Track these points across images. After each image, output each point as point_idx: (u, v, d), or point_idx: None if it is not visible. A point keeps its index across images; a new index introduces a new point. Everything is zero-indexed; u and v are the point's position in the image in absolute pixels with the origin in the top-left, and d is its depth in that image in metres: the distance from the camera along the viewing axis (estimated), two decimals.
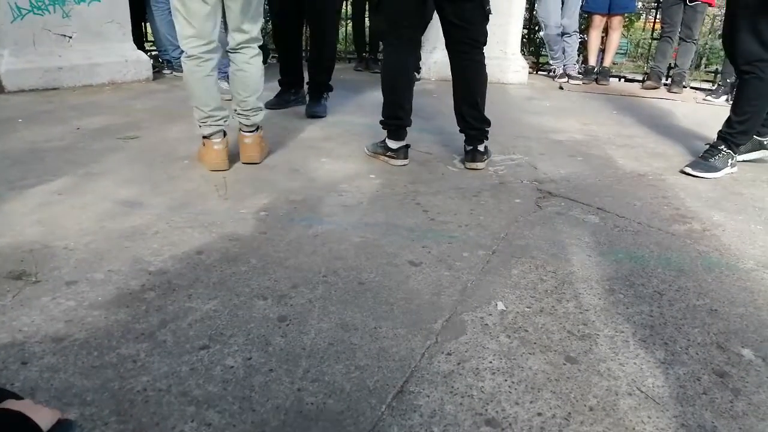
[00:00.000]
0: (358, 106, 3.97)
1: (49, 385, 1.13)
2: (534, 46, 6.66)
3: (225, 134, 2.45)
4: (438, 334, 1.36)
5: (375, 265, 1.68)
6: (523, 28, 5.89)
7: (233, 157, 2.53)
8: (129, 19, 4.43)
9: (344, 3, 6.78)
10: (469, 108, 2.59)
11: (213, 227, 1.88)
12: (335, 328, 1.36)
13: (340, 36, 7.08)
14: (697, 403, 1.17)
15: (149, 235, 1.80)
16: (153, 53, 5.31)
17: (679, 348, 1.36)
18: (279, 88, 3.81)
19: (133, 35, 4.54)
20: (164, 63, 4.93)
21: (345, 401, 1.12)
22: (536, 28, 6.28)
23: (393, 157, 2.66)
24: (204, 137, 2.42)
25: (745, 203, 2.37)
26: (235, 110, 2.47)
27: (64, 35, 4.06)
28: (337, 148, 2.90)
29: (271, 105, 3.63)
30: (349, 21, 6.16)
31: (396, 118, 2.61)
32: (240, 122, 2.50)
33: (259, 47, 2.46)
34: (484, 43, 2.51)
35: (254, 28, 2.37)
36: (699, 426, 1.11)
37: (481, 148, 2.64)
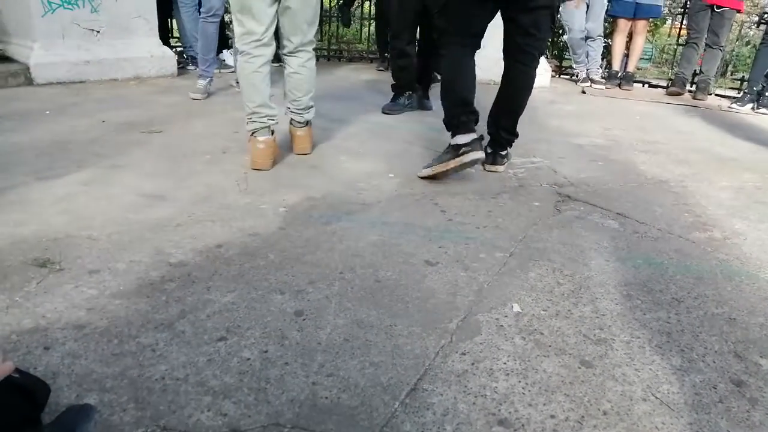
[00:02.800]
0: (377, 106, 3.98)
1: (70, 371, 1.15)
2: (557, 49, 6.62)
3: (272, 133, 2.47)
4: (453, 333, 1.37)
5: (392, 263, 1.69)
6: None
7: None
8: (156, 15, 4.49)
9: (368, 3, 6.82)
10: (507, 116, 2.60)
11: (233, 221, 1.91)
12: (351, 324, 1.37)
13: (363, 36, 7.12)
14: (712, 412, 1.16)
15: (171, 228, 1.83)
16: (178, 49, 5.37)
17: (695, 355, 1.34)
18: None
19: (159, 31, 4.60)
20: (189, 59, 4.98)
21: (359, 396, 1.14)
22: (560, 31, 6.24)
23: (469, 151, 2.39)
24: (250, 133, 2.45)
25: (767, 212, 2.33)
26: (289, 108, 2.61)
27: (92, 30, 4.13)
28: (357, 146, 2.92)
29: (387, 109, 3.82)
30: (372, 21, 6.18)
31: (456, 106, 2.47)
32: (293, 118, 2.65)
33: (280, 46, 2.50)
34: (541, 55, 2.56)
35: (310, 33, 2.47)
36: None
37: (502, 152, 2.65)
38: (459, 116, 2.43)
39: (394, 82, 3.92)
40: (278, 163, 2.55)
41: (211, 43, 3.84)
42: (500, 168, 2.64)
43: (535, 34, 2.41)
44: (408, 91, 3.88)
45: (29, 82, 3.84)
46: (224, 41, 5.12)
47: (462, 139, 2.40)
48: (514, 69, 2.50)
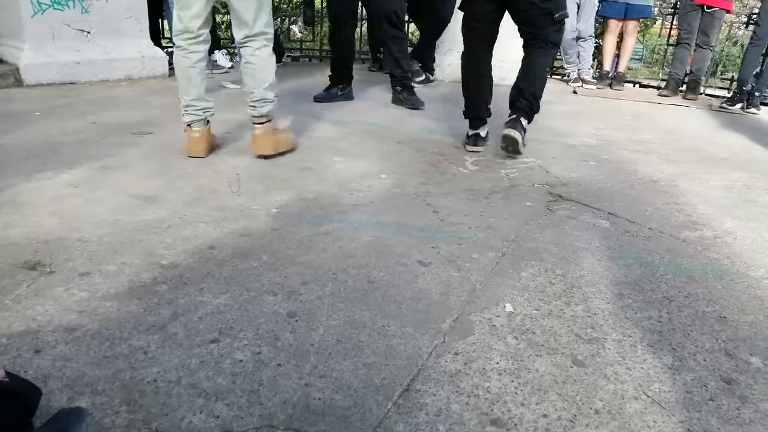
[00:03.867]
0: (371, 107, 3.98)
1: (61, 374, 1.15)
2: None
3: (207, 124, 2.57)
4: (446, 333, 1.37)
5: (384, 264, 1.69)
6: None
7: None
8: (146, 15, 4.47)
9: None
10: (527, 82, 2.76)
11: (225, 223, 1.90)
12: (344, 325, 1.37)
13: (355, 36, 7.10)
14: (703, 409, 1.17)
15: (162, 229, 1.83)
16: (169, 50, 5.34)
17: (686, 354, 1.35)
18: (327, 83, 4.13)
19: (150, 32, 4.58)
20: None
21: (352, 397, 1.14)
22: None
23: (466, 143, 2.97)
24: (186, 124, 2.53)
25: (757, 211, 2.35)
26: (247, 102, 2.54)
27: (83, 30, 4.10)
28: (350, 147, 2.92)
29: (319, 98, 3.96)
30: (364, 21, 6.17)
31: (469, 104, 2.94)
32: (249, 113, 2.55)
33: (273, 48, 2.49)
34: (553, 41, 2.78)
35: (256, 25, 2.41)
36: None
37: (523, 121, 2.77)
38: (468, 111, 2.93)
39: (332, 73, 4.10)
40: (270, 164, 2.54)
41: None
42: (515, 134, 2.73)
43: (531, 31, 2.69)
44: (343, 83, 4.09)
45: (19, 83, 3.82)
46: (215, 42, 5.10)
47: (469, 131, 2.93)
48: (530, 48, 2.78)
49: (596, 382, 1.23)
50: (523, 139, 2.78)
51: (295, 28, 8.02)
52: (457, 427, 1.08)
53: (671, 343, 1.39)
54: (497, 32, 2.80)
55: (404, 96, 4.08)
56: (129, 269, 1.57)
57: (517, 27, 2.74)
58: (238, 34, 2.44)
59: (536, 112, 2.84)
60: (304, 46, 6.51)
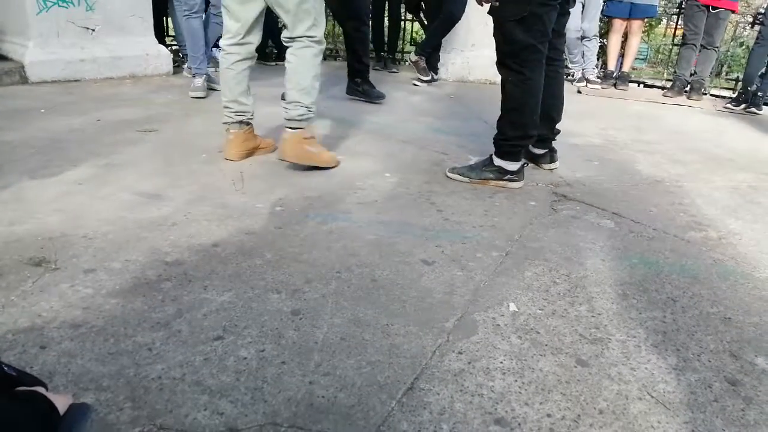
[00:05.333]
0: (376, 106, 3.98)
1: (66, 370, 1.15)
2: None
3: (245, 126, 2.54)
4: (449, 332, 1.37)
5: (388, 262, 1.69)
6: None
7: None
8: (151, 13, 4.48)
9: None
10: (558, 113, 2.67)
11: (229, 221, 1.91)
12: (348, 323, 1.38)
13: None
14: (707, 410, 1.17)
15: (167, 227, 1.83)
16: (174, 47, 5.35)
17: (691, 355, 1.35)
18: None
19: (154, 29, 4.58)
20: (184, 57, 4.97)
21: (356, 396, 1.14)
22: None
23: (515, 180, 2.44)
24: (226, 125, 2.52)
25: (763, 212, 2.34)
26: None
27: (87, 28, 4.11)
28: (354, 146, 2.92)
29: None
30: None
31: (531, 137, 2.45)
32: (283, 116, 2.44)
33: (278, 45, 2.50)
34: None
35: (299, 27, 2.31)
36: None
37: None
38: (523, 141, 2.41)
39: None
40: (274, 163, 2.54)
41: (198, 39, 3.79)
42: (558, 165, 2.73)
43: (558, 46, 2.53)
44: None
45: (24, 80, 3.83)
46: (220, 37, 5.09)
47: (511, 165, 2.42)
48: (553, 69, 2.49)
49: (600, 382, 1.23)
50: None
51: None
52: (460, 426, 1.08)
53: (675, 343, 1.39)
54: None
55: (364, 89, 4.09)
56: (133, 266, 1.57)
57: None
58: (284, 32, 2.38)
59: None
60: None
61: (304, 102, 2.37)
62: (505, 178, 2.42)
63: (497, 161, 2.43)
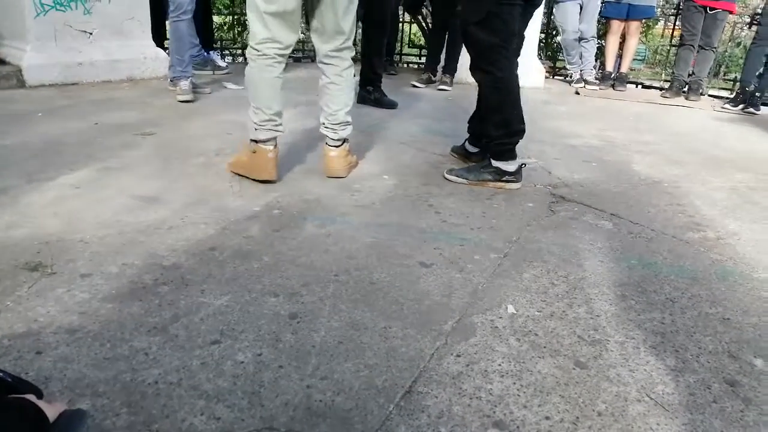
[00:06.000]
0: (373, 107, 3.97)
1: (62, 375, 1.14)
2: (551, 50, 6.64)
3: (276, 143, 2.30)
4: (448, 335, 1.36)
5: (386, 265, 1.69)
6: (541, 32, 5.87)
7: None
8: (149, 17, 4.47)
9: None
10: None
11: (226, 224, 1.90)
12: (345, 326, 1.37)
13: (357, 36, 7.11)
14: (707, 412, 1.16)
15: (164, 231, 1.82)
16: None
17: (690, 356, 1.35)
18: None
19: (155, 32, 4.57)
20: None
21: (353, 399, 1.13)
22: (554, 32, 6.26)
23: (513, 181, 2.44)
24: (256, 142, 2.25)
25: (761, 213, 2.34)
26: (323, 123, 2.39)
27: (85, 31, 4.11)
28: (352, 147, 2.91)
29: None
30: None
31: (517, 132, 2.43)
32: (327, 135, 2.40)
33: None
34: None
35: (348, 40, 2.27)
36: None
37: None
38: (514, 139, 2.43)
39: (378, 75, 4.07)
40: None
41: (185, 42, 3.70)
42: None
43: (522, 36, 2.50)
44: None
45: (21, 84, 3.82)
46: (211, 42, 5.04)
47: (509, 166, 2.43)
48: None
49: (599, 384, 1.22)
50: None
51: None
52: (459, 429, 1.07)
53: (674, 345, 1.39)
54: None
55: (376, 97, 4.06)
56: (130, 270, 1.57)
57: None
58: (323, 47, 2.26)
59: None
60: (306, 47, 6.53)
61: (350, 120, 2.41)
62: (503, 179, 2.43)
63: (495, 163, 2.43)
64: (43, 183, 2.15)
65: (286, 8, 2.07)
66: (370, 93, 4.06)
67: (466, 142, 2.80)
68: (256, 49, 2.14)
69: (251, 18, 2.13)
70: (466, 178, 2.46)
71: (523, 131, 2.44)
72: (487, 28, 2.25)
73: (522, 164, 2.47)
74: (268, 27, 2.10)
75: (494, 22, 2.24)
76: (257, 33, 2.12)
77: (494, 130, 2.41)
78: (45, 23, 3.89)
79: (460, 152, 2.82)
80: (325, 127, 2.39)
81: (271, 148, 2.26)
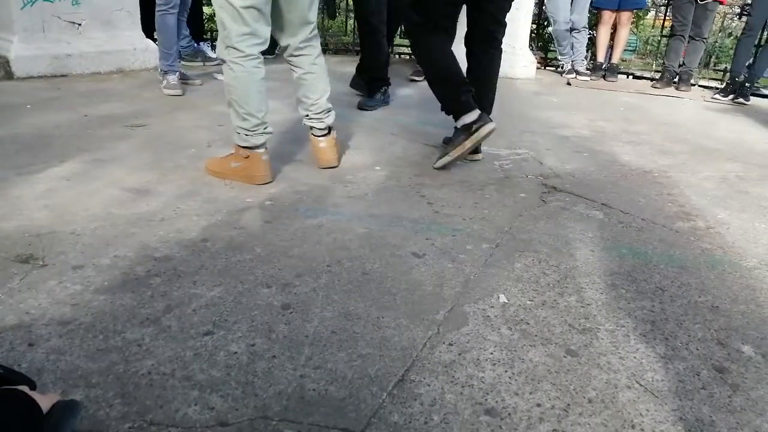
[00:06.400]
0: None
1: (55, 367, 1.14)
2: (542, 41, 6.63)
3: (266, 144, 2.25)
4: (440, 324, 1.37)
5: (379, 256, 1.69)
6: (532, 23, 5.86)
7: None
8: (138, 8, 4.43)
9: None
10: (491, 92, 2.66)
11: (219, 215, 1.90)
12: (338, 316, 1.38)
13: (349, 27, 7.09)
14: (695, 398, 1.18)
15: (155, 222, 1.82)
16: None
17: (679, 343, 1.36)
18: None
19: (146, 24, 4.53)
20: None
21: (347, 388, 1.14)
22: (545, 23, 6.24)
23: (482, 124, 2.40)
24: (248, 148, 2.17)
25: (750, 202, 2.36)
26: (306, 115, 2.35)
27: (74, 22, 4.07)
28: (344, 139, 2.90)
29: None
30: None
31: (460, 85, 2.47)
32: (313, 126, 2.37)
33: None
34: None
35: (316, 28, 2.25)
36: (697, 420, 1.12)
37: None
38: (460, 97, 2.46)
39: (374, 75, 3.80)
40: None
41: (172, 35, 3.65)
42: (480, 156, 2.70)
43: (503, 21, 2.52)
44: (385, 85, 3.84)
45: (9, 75, 3.78)
46: (201, 33, 4.98)
47: (469, 117, 2.44)
48: (488, 55, 2.59)
49: (589, 372, 1.24)
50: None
51: None
52: (451, 416, 1.08)
53: (664, 332, 1.40)
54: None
55: (385, 95, 3.89)
56: (122, 262, 1.56)
57: (473, 25, 2.54)
58: (293, 40, 2.19)
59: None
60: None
61: (331, 105, 2.37)
62: (473, 129, 2.41)
63: (457, 123, 2.48)
64: (33, 175, 2.14)
65: None
66: (383, 93, 3.81)
67: None
68: (237, 49, 2.02)
69: (223, 16, 1.99)
70: (449, 153, 2.48)
71: (463, 83, 2.48)
72: (416, 8, 2.47)
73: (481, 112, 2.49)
74: (246, 22, 1.99)
75: (417, 4, 2.47)
76: (234, 30, 1.99)
77: (438, 93, 2.54)
78: (32, 14, 3.85)
79: (446, 142, 2.83)
80: (309, 119, 2.36)
81: (264, 150, 2.21)
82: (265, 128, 2.18)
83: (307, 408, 1.08)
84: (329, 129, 2.41)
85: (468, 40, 2.59)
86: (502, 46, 2.62)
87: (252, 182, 2.21)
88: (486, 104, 2.60)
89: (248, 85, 2.08)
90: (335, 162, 2.45)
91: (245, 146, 2.17)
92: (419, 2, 2.47)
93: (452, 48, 2.51)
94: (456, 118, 2.49)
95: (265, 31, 2.08)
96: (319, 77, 2.31)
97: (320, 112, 2.34)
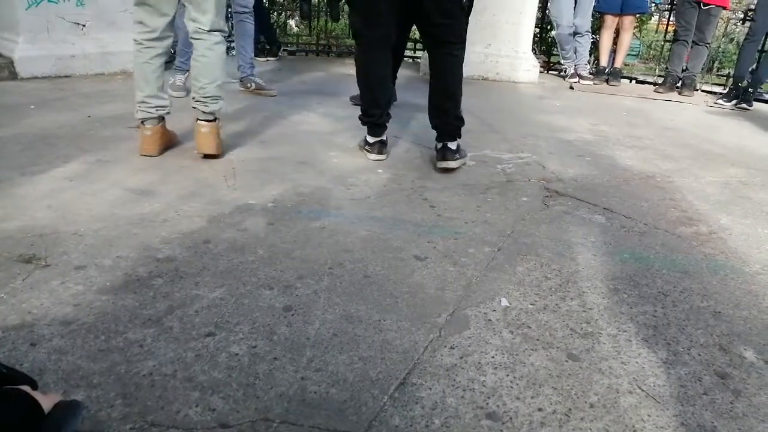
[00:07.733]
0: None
1: (56, 367, 1.15)
2: (546, 45, 6.63)
3: (160, 121, 2.48)
4: (441, 328, 1.37)
5: (381, 258, 1.69)
6: (535, 27, 5.86)
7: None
8: None
9: None
10: (452, 102, 2.53)
11: (221, 217, 1.90)
12: (340, 319, 1.38)
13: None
14: (697, 403, 1.18)
15: (158, 223, 1.82)
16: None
17: (681, 348, 1.36)
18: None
19: None
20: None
21: (348, 391, 1.14)
22: (548, 27, 6.25)
23: (369, 152, 2.65)
24: (140, 121, 2.45)
25: (753, 207, 2.36)
26: (193, 98, 2.42)
27: (78, 23, 4.08)
28: (346, 142, 2.91)
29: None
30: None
31: (370, 115, 2.61)
32: (197, 109, 2.42)
33: (270, 40, 2.45)
34: (464, 39, 2.47)
35: (220, 15, 2.34)
36: (699, 425, 1.11)
37: (452, 145, 2.51)
38: (369, 121, 2.61)
39: None
40: (266, 159, 2.53)
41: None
42: (452, 164, 2.51)
43: (446, 21, 2.37)
44: None
45: (13, 76, 3.79)
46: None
47: (369, 138, 2.64)
48: (444, 60, 2.48)
49: (591, 377, 1.24)
50: (462, 161, 2.56)
51: (291, 22, 8.02)
52: (452, 420, 1.08)
53: (666, 337, 1.40)
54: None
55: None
56: (125, 263, 1.57)
57: (420, 29, 2.55)
58: (194, 24, 2.33)
59: (463, 125, 2.60)
60: (300, 41, 6.51)
61: (221, 95, 2.44)
62: (365, 147, 2.66)
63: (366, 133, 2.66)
64: (37, 175, 2.14)
65: None
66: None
67: None
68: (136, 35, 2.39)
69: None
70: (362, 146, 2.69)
71: (378, 115, 2.59)
72: (354, 12, 2.53)
73: (382, 141, 2.63)
74: (139, 15, 2.34)
75: (357, 6, 2.49)
76: (134, 18, 2.37)
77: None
78: (37, 15, 3.86)
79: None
80: (196, 101, 2.41)
81: (149, 126, 2.45)
82: (147, 107, 2.41)
83: (308, 410, 1.08)
84: (215, 117, 2.46)
85: (425, 44, 2.59)
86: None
87: (140, 152, 2.47)
88: (441, 113, 2.54)
89: (136, 65, 2.42)
90: (214, 150, 2.48)
91: (137, 118, 2.45)
92: (356, 5, 2.48)
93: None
94: (367, 129, 2.66)
95: (152, 21, 2.33)
96: (212, 63, 2.39)
97: (207, 97, 2.39)
